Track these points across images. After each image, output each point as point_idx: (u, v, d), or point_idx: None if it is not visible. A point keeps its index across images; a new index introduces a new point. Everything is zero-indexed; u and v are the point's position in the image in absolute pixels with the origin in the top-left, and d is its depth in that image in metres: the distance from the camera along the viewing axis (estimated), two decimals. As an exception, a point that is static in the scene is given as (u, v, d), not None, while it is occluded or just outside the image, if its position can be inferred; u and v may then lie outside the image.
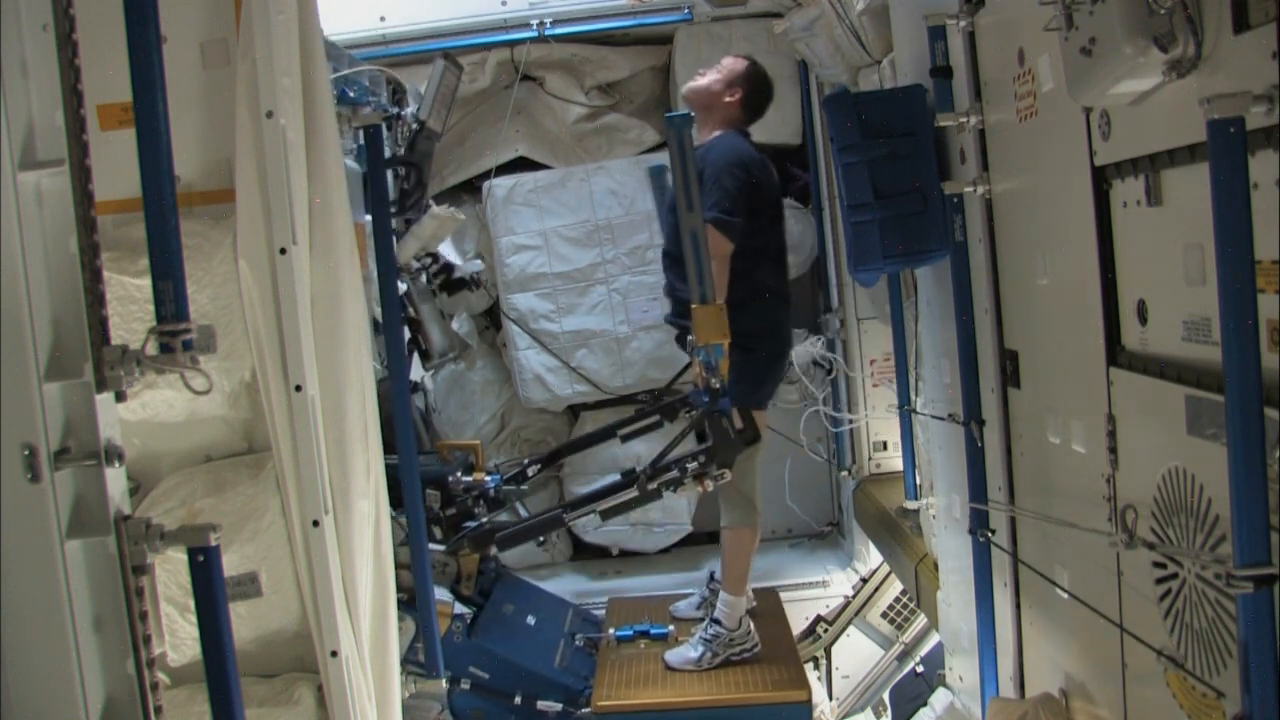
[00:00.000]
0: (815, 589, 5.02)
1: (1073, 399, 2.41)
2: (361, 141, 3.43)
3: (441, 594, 3.94)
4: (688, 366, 4.03)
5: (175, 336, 1.77)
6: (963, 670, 3.40)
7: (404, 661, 3.44)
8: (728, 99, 3.87)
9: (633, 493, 3.48)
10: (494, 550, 3.90)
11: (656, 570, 5.26)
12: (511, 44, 5.04)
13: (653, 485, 3.42)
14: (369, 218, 3.44)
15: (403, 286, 4.14)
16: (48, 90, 1.70)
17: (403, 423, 3.39)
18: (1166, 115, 1.81)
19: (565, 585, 5.08)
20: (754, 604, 4.17)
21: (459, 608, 4.02)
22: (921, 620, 4.69)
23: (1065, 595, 2.47)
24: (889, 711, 4.78)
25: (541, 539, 5.12)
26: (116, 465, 1.73)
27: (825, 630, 4.99)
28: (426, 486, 3.74)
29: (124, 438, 1.79)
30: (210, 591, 1.79)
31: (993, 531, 2.94)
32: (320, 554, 2.37)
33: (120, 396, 1.76)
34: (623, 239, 5.06)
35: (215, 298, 2.43)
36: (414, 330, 4.35)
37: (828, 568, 5.14)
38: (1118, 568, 2.17)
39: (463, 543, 3.84)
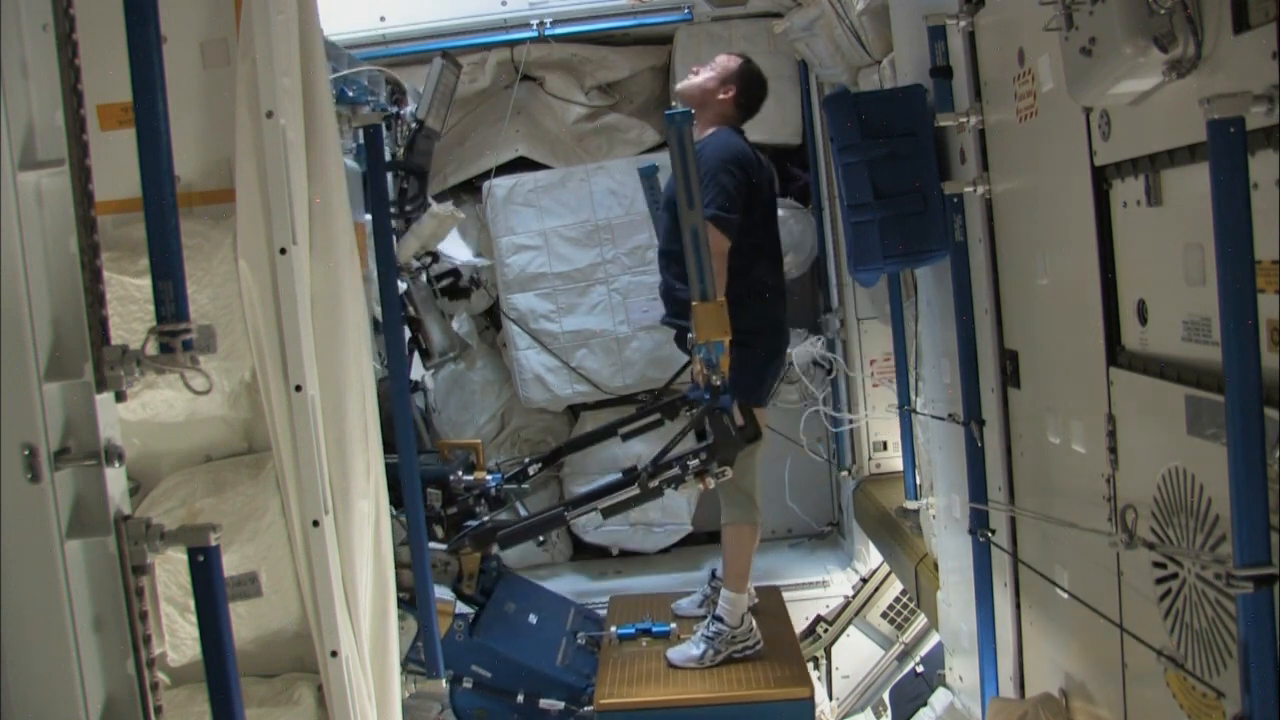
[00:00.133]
0: (815, 589, 5.02)
1: (1073, 399, 2.41)
2: (361, 141, 3.43)
3: (443, 593, 3.94)
4: (686, 365, 4.03)
5: (175, 336, 1.77)
6: (963, 670, 3.40)
7: (406, 661, 3.44)
8: (721, 96, 3.86)
9: (634, 490, 3.47)
10: (496, 548, 3.90)
11: (656, 570, 5.26)
12: (511, 44, 5.04)
13: (654, 483, 3.42)
14: (369, 217, 3.44)
15: (403, 286, 4.14)
16: (48, 90, 1.70)
17: (403, 422, 3.39)
18: (1166, 115, 1.81)
19: (565, 585, 5.07)
20: (756, 601, 4.17)
21: (461, 607, 4.01)
22: (921, 620, 4.69)
23: (1065, 595, 2.47)
24: (889, 711, 4.78)
25: (541, 539, 5.13)
26: (116, 465, 1.73)
27: (825, 630, 4.99)
28: (428, 486, 3.74)
29: (124, 438, 1.79)
30: (210, 591, 1.79)
31: (993, 531, 2.94)
32: (320, 554, 2.37)
33: (120, 396, 1.76)
34: (623, 239, 5.06)
35: (215, 298, 2.43)
36: (414, 330, 4.35)
37: (828, 568, 5.13)
38: (1118, 568, 2.17)
39: (464, 541, 3.84)
